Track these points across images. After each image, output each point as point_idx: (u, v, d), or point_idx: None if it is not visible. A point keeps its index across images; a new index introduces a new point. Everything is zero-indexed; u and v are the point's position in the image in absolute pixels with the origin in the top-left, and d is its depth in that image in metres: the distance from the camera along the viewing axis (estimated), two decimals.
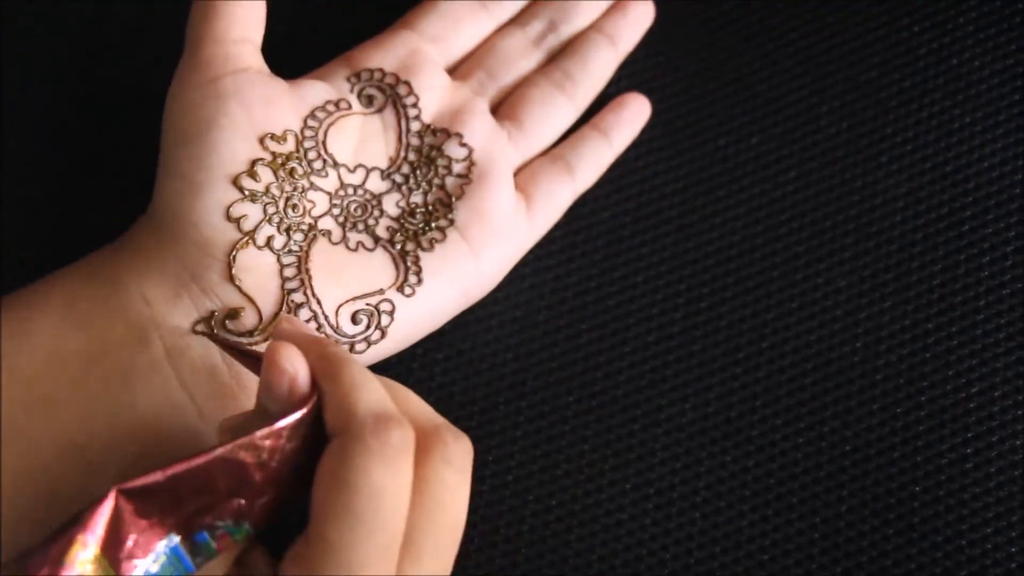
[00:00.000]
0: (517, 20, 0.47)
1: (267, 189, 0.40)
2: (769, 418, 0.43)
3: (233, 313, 0.38)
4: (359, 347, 0.40)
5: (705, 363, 0.44)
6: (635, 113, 0.47)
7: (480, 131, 0.44)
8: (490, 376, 0.44)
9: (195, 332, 0.38)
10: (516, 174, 0.45)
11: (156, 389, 0.37)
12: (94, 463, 0.36)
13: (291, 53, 0.44)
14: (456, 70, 0.46)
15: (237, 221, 0.39)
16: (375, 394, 0.32)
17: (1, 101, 0.45)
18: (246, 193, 0.39)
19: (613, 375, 0.44)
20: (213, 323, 0.38)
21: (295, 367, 0.32)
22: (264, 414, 0.33)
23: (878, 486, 0.43)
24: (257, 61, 0.41)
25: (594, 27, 0.47)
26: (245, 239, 0.39)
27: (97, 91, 0.46)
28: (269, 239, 0.39)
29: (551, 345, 0.44)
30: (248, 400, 0.38)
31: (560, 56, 0.47)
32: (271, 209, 0.40)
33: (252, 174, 0.39)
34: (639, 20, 0.47)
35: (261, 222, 0.39)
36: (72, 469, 0.36)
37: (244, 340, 0.38)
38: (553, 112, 0.45)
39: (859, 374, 0.44)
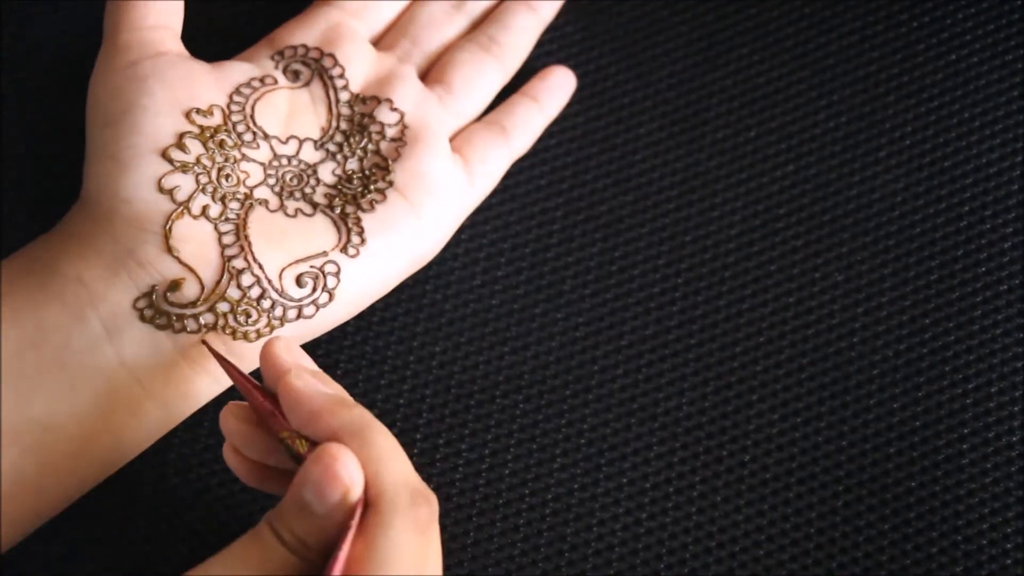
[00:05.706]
0: None
1: (198, 160, 0.40)
2: (766, 413, 0.43)
3: (174, 285, 0.38)
4: (307, 311, 0.39)
5: (702, 357, 0.44)
6: (561, 82, 0.47)
7: (410, 95, 0.44)
8: (487, 369, 0.44)
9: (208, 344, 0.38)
10: (452, 139, 0.45)
11: (95, 368, 0.37)
12: (33, 447, 0.36)
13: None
14: (380, 42, 0.46)
15: (170, 192, 0.39)
16: (403, 464, 0.33)
17: (1, 99, 0.45)
18: (176, 164, 0.39)
19: (610, 368, 0.44)
20: (154, 297, 0.38)
21: (352, 478, 0.32)
22: (304, 508, 0.32)
23: (874, 481, 0.43)
24: (176, 46, 0.42)
25: None
26: (180, 209, 0.39)
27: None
28: (204, 208, 0.39)
29: (548, 338, 0.44)
30: (196, 377, 0.38)
31: (483, 23, 0.47)
32: (204, 179, 0.39)
33: (181, 146, 0.39)
34: None
35: (195, 192, 0.39)
36: (12, 456, 0.36)
37: (187, 311, 0.38)
38: (481, 74, 0.45)
39: (856, 369, 0.44)
